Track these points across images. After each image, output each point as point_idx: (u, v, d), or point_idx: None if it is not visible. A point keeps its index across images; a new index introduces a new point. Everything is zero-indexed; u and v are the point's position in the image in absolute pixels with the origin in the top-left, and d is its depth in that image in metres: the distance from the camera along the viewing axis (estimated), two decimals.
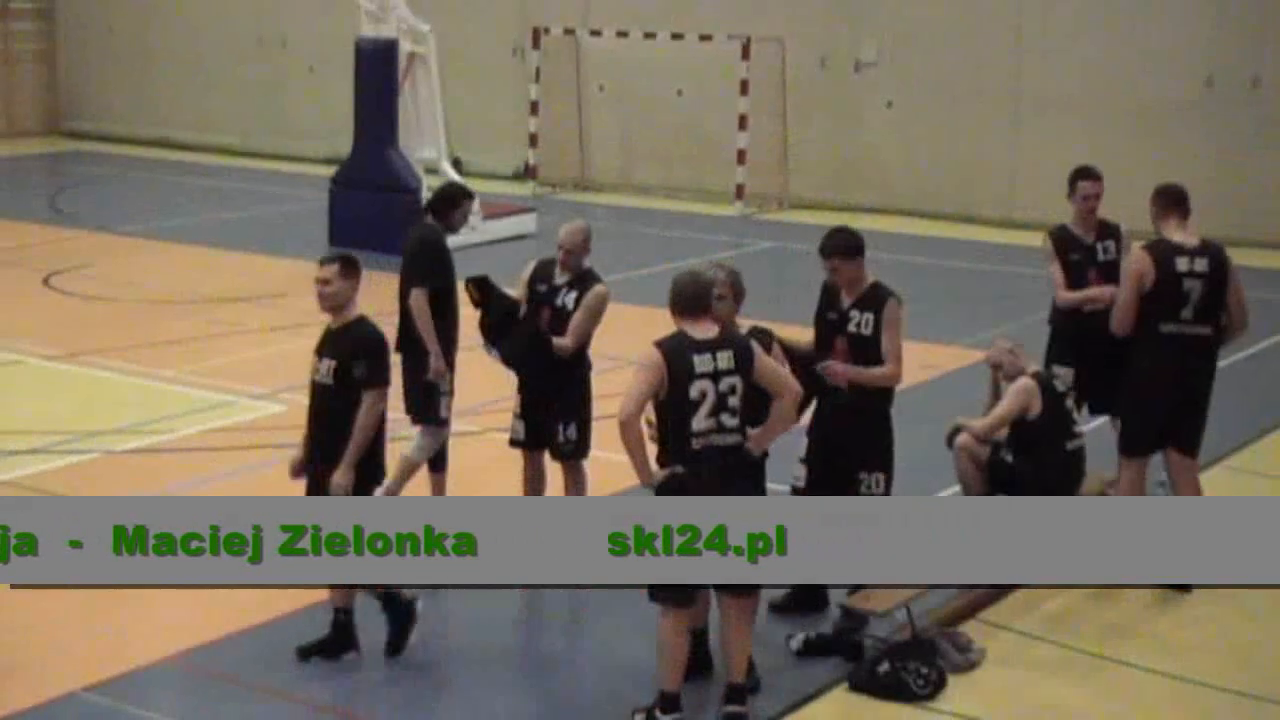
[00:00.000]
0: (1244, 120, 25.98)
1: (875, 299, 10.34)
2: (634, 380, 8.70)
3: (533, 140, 30.89)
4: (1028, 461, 11.18)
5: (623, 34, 29.81)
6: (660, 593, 8.81)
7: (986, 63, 27.86)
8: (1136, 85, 26.64)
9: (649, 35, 29.43)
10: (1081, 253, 12.64)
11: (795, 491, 10.97)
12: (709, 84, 29.71)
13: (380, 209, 23.59)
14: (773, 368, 9.03)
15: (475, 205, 24.53)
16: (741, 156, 28.49)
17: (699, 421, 8.72)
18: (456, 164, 26.09)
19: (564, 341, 11.26)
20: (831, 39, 29.18)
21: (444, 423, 11.96)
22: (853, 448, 10.43)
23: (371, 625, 10.26)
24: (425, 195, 23.63)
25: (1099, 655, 10.37)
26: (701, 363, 8.73)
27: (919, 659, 9.80)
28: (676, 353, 8.72)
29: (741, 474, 8.97)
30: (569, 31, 30.84)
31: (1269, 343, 19.40)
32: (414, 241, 12.22)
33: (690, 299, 8.94)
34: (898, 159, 28.73)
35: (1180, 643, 10.63)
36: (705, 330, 8.88)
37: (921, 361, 15.36)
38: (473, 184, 25.18)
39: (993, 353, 12.05)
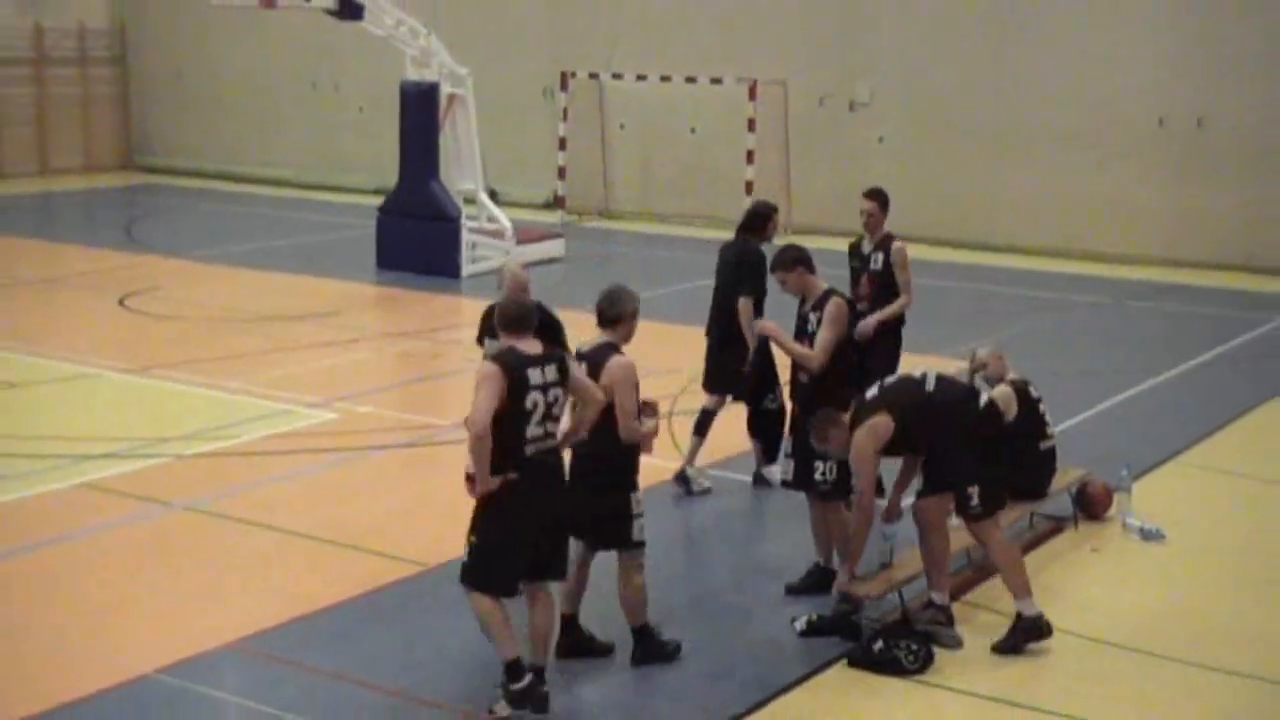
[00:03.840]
0: (1191, 155, 26.25)
1: (822, 302, 10.67)
2: (481, 394, 8.60)
3: (561, 173, 30.95)
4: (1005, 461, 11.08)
5: (642, 77, 29.87)
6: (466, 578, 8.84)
7: (968, 103, 27.95)
8: (1099, 124, 26.86)
9: (665, 78, 29.51)
10: (860, 260, 12.90)
11: (785, 485, 11.05)
12: (719, 122, 29.76)
13: (423, 236, 23.67)
14: (584, 381, 9.06)
15: (510, 230, 24.78)
16: (749, 187, 28.49)
17: (531, 430, 8.74)
18: (493, 195, 26.11)
19: None
20: (829, 82, 29.21)
21: (739, 398, 13.03)
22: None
23: (416, 601, 10.27)
24: (464, 223, 23.75)
25: (1074, 633, 10.36)
26: (534, 376, 8.75)
27: (910, 637, 9.81)
28: (514, 367, 8.70)
29: (561, 476, 9.10)
30: (594, 75, 30.88)
31: (1216, 352, 19.45)
32: (734, 255, 13.03)
33: (515, 320, 8.93)
34: (888, 188, 28.42)
35: (1148, 618, 10.62)
36: (531, 347, 8.88)
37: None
38: (507, 213, 25.45)
39: (983, 354, 12.10)
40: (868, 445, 9.99)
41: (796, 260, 10.76)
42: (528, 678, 8.79)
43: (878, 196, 13.27)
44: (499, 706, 8.81)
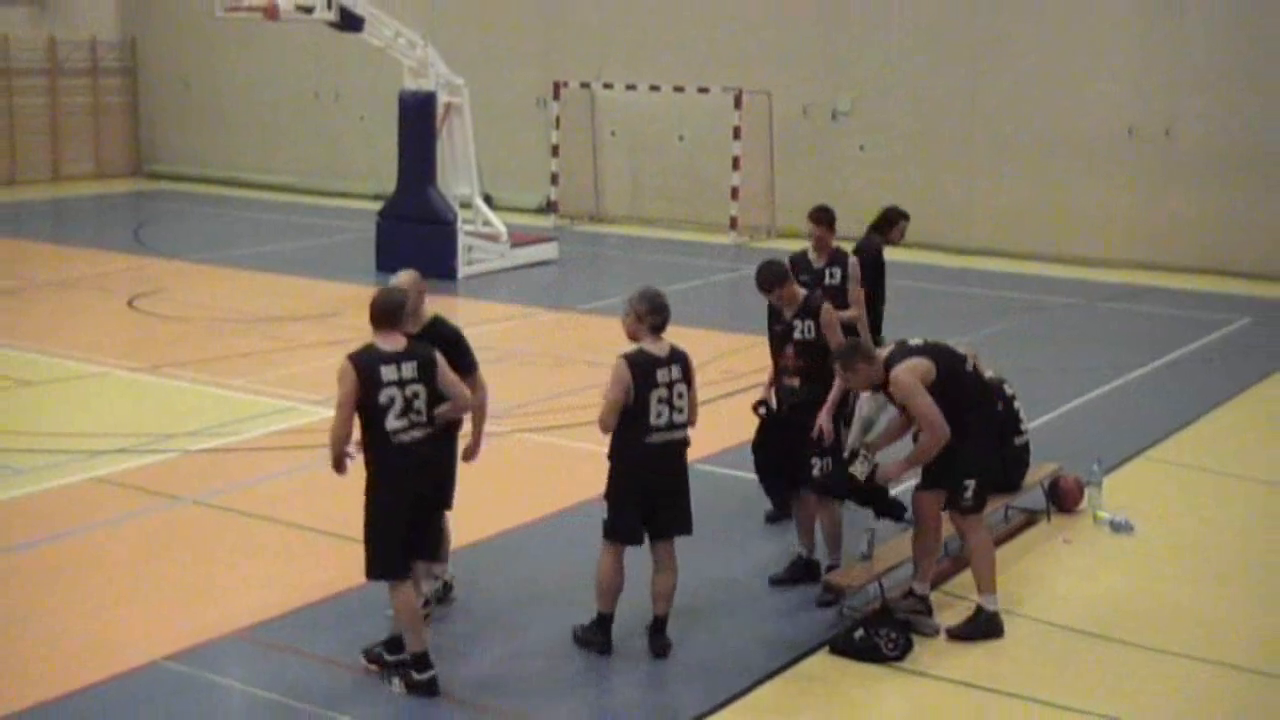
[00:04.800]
0: (1158, 163, 26.29)
1: (811, 308, 10.69)
2: (337, 394, 8.81)
3: (554, 178, 30.93)
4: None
5: (631, 87, 29.88)
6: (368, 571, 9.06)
7: (944, 113, 27.97)
8: (1070, 133, 26.88)
9: (654, 88, 29.53)
10: (811, 275, 12.27)
11: (817, 487, 10.91)
12: (706, 130, 29.75)
13: (421, 239, 23.62)
14: (450, 378, 9.15)
15: (505, 234, 24.76)
16: (735, 193, 28.56)
17: (391, 422, 8.81)
18: (488, 200, 26.11)
19: None
20: (812, 92, 29.21)
21: None
22: (806, 437, 10.58)
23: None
24: (460, 227, 23.74)
25: (1046, 621, 10.38)
26: (388, 372, 8.82)
27: (889, 626, 9.81)
28: (366, 364, 8.81)
29: (436, 463, 9.20)
30: (585, 85, 30.87)
31: (1183, 351, 19.48)
32: (857, 250, 12.91)
33: (378, 317, 9.00)
34: (869, 194, 28.57)
35: (1118, 607, 10.64)
36: (393, 343, 8.94)
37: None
38: (502, 217, 25.44)
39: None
40: (910, 378, 9.76)
41: (785, 275, 10.75)
42: (430, 672, 8.98)
43: (825, 218, 12.53)
44: (395, 684, 9.01)
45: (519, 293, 22.68)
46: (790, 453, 10.72)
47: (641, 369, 9.29)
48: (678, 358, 9.47)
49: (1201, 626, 10.46)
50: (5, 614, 10.02)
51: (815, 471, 10.61)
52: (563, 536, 11.83)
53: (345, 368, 8.84)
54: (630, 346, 9.48)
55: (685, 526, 9.71)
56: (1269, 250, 25.33)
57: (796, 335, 10.64)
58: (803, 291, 10.86)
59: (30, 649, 9.52)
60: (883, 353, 10.06)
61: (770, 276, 10.73)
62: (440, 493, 9.44)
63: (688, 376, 9.50)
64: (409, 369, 8.91)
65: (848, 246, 12.84)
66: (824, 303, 10.74)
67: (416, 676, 8.98)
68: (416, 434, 8.92)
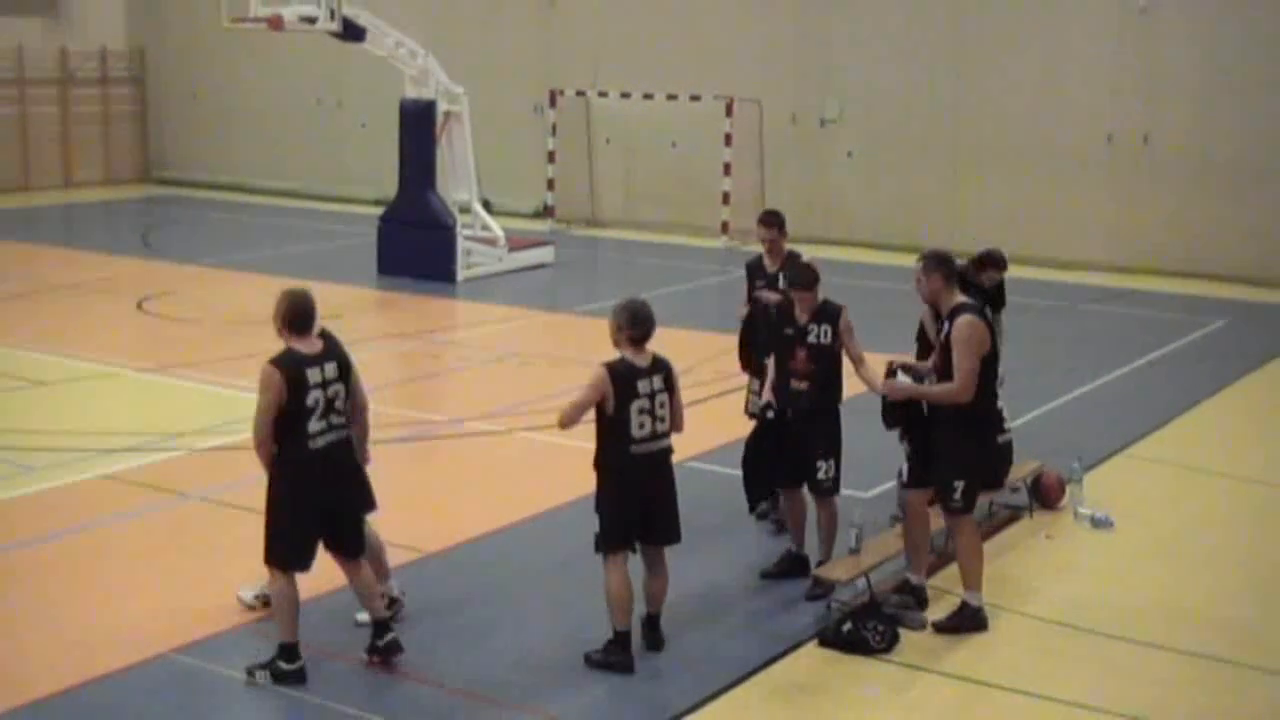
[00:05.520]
0: (1136, 170, 26.30)
1: (831, 313, 10.58)
2: (260, 401, 8.71)
3: (550, 184, 30.93)
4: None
5: (626, 95, 29.86)
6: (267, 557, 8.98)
7: (930, 121, 27.98)
8: (1052, 140, 26.90)
9: (648, 96, 29.50)
10: (764, 278, 12.10)
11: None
12: (698, 137, 29.74)
13: (421, 243, 23.67)
14: (358, 383, 9.19)
15: (503, 238, 24.75)
16: (726, 197, 28.55)
17: (314, 424, 8.79)
18: (486, 205, 26.09)
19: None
20: (801, 100, 29.22)
21: None
22: (812, 440, 10.56)
23: (417, 586, 10.26)
24: (459, 231, 23.74)
25: (1029, 614, 10.38)
26: (313, 375, 8.79)
27: (876, 619, 9.82)
28: (292, 368, 8.75)
29: (349, 465, 9.17)
30: (580, 93, 30.86)
31: (1161, 352, 19.51)
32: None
33: (299, 316, 8.95)
34: (856, 199, 28.80)
35: (1098, 600, 10.65)
36: (310, 346, 8.92)
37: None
38: (500, 221, 25.44)
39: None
40: (975, 333, 9.78)
41: (819, 278, 10.63)
42: (299, 663, 8.94)
43: (775, 223, 12.12)
44: (260, 675, 8.94)
45: (516, 295, 22.68)
46: (787, 456, 10.68)
47: (623, 379, 9.13)
48: (660, 367, 9.33)
49: (1178, 619, 10.48)
50: (19, 606, 10.02)
51: (821, 475, 10.61)
52: (559, 531, 11.82)
53: (270, 373, 8.71)
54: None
55: (676, 535, 9.58)
56: (1244, 253, 25.35)
57: (811, 339, 10.51)
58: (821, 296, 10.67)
59: (44, 640, 9.52)
60: (961, 297, 10.05)
61: (816, 276, 10.59)
62: (358, 493, 9.36)
63: (670, 385, 9.35)
64: (330, 370, 8.90)
65: (840, 250, 12.80)
66: (843, 308, 10.62)
67: (285, 667, 8.91)
68: (332, 436, 8.90)
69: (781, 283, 11.84)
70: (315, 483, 8.88)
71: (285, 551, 8.93)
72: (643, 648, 9.57)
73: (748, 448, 11.11)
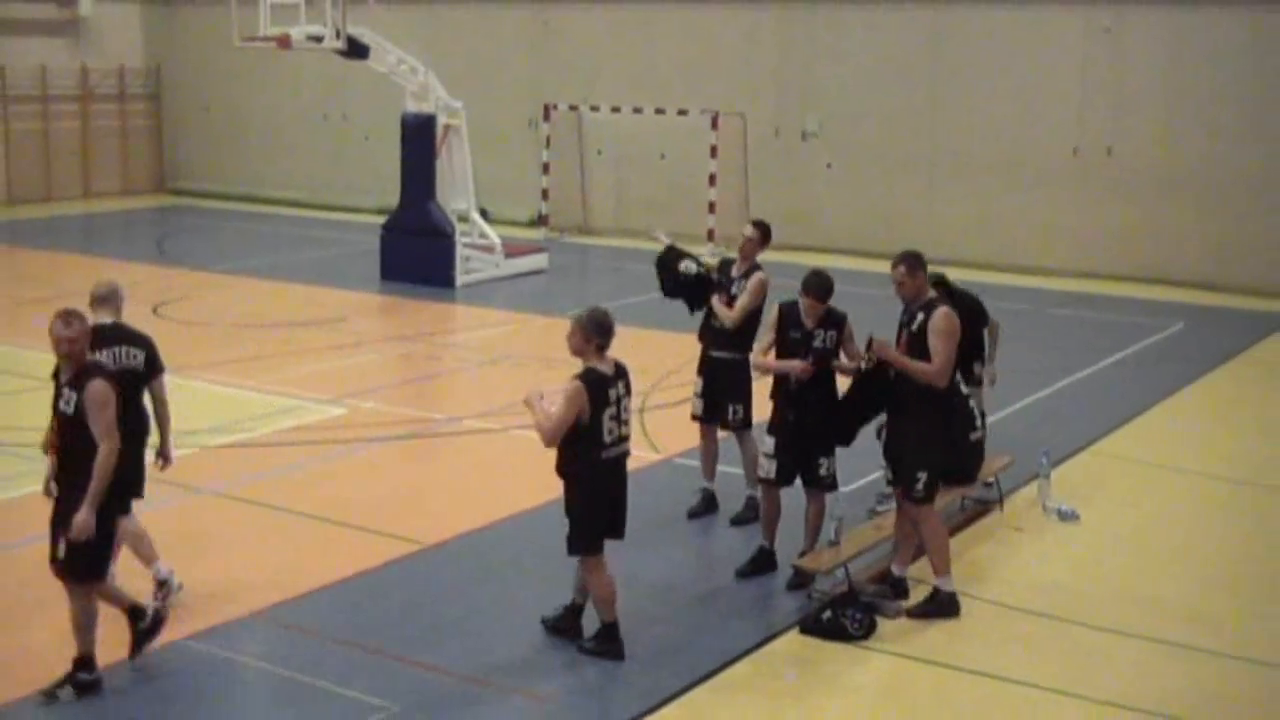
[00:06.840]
0: (1100, 180, 26.28)
1: (837, 319, 10.56)
2: (111, 411, 8.64)
3: (544, 194, 30.87)
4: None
5: (616, 109, 29.83)
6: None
7: (906, 133, 27.96)
8: (1021, 152, 26.87)
9: (638, 110, 29.47)
10: (727, 279, 11.88)
11: (764, 482, 10.83)
12: (686, 149, 29.69)
13: (421, 250, 23.61)
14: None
15: (499, 245, 24.70)
16: (712, 207, 28.51)
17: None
18: (483, 214, 26.02)
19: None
20: (783, 114, 29.21)
21: None
22: (815, 437, 10.55)
23: (416, 577, 10.21)
24: (458, 239, 23.71)
25: (999, 602, 10.37)
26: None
27: (855, 607, 9.80)
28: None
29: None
30: (573, 107, 30.82)
31: (1125, 353, 19.51)
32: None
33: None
34: (835, 209, 28.78)
35: (1065, 589, 10.63)
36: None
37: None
38: (496, 230, 25.39)
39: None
40: (952, 325, 9.86)
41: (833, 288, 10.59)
42: (97, 673, 8.71)
43: (760, 227, 12.00)
44: (63, 692, 8.64)
45: (512, 300, 22.66)
46: (789, 455, 10.64)
47: (597, 389, 9.01)
48: (622, 373, 9.22)
49: (1143, 607, 10.47)
50: (39, 596, 9.94)
51: (822, 471, 10.59)
52: (551, 524, 11.71)
53: (106, 387, 8.63)
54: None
55: (622, 532, 9.45)
56: (1202, 260, 25.37)
57: (816, 344, 10.45)
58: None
59: (61, 630, 9.45)
60: (932, 293, 10.13)
61: (830, 286, 10.56)
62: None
63: (629, 389, 9.28)
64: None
65: (818, 257, 12.77)
66: (846, 315, 10.61)
67: (84, 677, 8.67)
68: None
69: (739, 289, 11.74)
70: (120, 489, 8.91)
71: (90, 565, 8.69)
72: (630, 639, 9.49)
73: (777, 427, 10.72)
